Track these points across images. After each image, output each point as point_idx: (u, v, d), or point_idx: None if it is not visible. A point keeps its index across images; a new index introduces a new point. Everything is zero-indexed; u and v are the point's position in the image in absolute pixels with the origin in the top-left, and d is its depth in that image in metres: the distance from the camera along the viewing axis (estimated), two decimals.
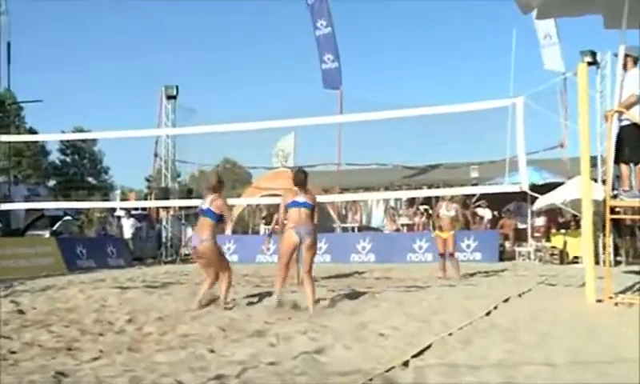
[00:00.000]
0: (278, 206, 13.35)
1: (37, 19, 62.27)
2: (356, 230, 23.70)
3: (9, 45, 18.35)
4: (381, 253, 19.97)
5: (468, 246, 19.17)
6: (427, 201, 22.51)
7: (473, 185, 20.36)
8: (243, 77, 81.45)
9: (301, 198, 8.55)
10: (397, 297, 10.11)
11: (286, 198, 8.73)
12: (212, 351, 5.84)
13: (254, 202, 23.84)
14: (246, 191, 26.15)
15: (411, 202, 24.41)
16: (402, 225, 23.88)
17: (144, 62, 77.30)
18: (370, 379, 4.59)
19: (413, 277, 13.95)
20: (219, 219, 9.02)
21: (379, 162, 24.55)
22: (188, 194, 27.57)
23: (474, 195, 21.30)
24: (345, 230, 24.00)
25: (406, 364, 5.08)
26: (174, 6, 77.14)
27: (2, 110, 14.81)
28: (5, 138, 14.32)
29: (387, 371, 4.80)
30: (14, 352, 5.92)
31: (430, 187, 22.41)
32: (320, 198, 20.51)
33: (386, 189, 23.81)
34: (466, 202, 22.07)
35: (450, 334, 6.43)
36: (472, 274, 14.51)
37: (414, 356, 5.35)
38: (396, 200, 25.14)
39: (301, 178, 8.77)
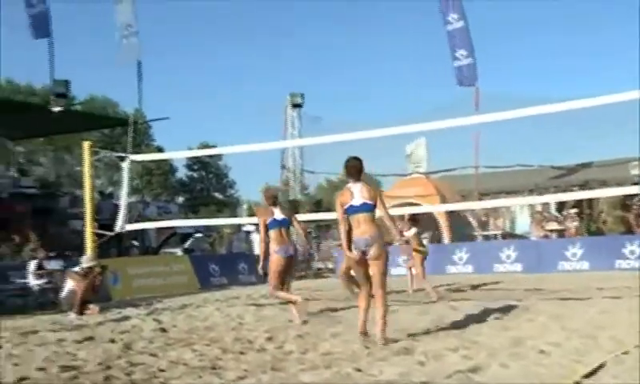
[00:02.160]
0: (413, 216, 13.40)
1: (161, 36, 65.16)
2: (499, 237, 23.14)
3: (139, 64, 19.41)
4: (528, 262, 19.34)
5: (632, 253, 18.10)
6: (579, 204, 21.65)
7: (634, 184, 19.26)
8: (370, 80, 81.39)
9: (357, 200, 7.32)
10: (552, 310, 9.74)
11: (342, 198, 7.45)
12: (358, 370, 5.87)
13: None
14: None
15: (561, 205, 23.54)
16: (551, 231, 23.05)
17: (268, 70, 79.01)
18: None
19: (568, 288, 13.41)
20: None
21: (522, 162, 23.85)
22: (317, 205, 28.01)
23: (635, 195, 20.18)
24: (487, 238, 23.50)
25: None
26: (293, 12, 78.19)
27: (133, 130, 15.77)
28: (138, 157, 15.08)
29: None
30: (162, 370, 6.25)
31: (581, 188, 21.51)
32: (458, 206, 20.47)
33: (531, 192, 23.04)
34: (626, 202, 21.00)
35: (626, 353, 6.07)
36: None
37: (586, 376, 5.14)
38: (543, 204, 24.29)
39: (357, 167, 7.59)
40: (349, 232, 7.36)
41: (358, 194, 7.32)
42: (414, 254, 13.31)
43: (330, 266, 23.92)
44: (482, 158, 23.26)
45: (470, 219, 23.51)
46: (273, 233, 9.67)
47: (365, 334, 7.40)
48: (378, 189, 7.92)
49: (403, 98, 69.18)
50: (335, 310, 11.10)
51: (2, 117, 19.50)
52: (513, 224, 25.26)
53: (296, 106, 24.08)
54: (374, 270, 7.37)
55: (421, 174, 23.93)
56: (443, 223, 22.06)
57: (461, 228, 22.63)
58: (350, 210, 7.32)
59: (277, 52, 78.60)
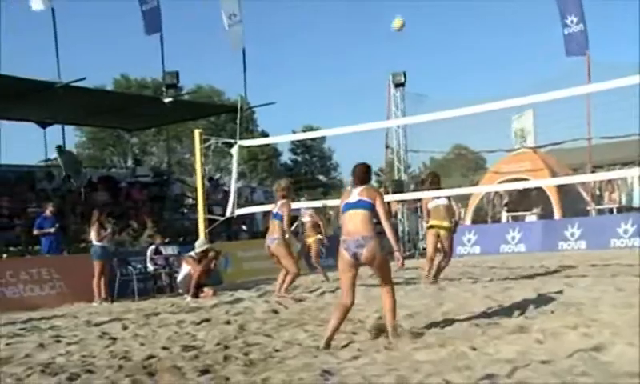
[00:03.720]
0: (523, 191, 12.92)
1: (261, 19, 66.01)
2: (615, 211, 22.20)
3: (244, 52, 19.68)
4: None
5: None
6: None
7: None
8: (472, 54, 79.56)
9: (354, 198, 6.65)
10: None
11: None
12: (474, 349, 5.77)
13: (494, 189, 23.28)
14: (485, 177, 25.60)
15: None
16: None
17: (369, 50, 78.61)
18: None
19: None
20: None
21: (638, 131, 22.69)
22: (421, 184, 27.71)
23: None
24: (601, 212, 22.59)
25: None
26: None
27: (237, 117, 16.10)
28: (244, 142, 15.36)
29: None
30: (277, 350, 6.36)
31: None
32: (569, 179, 19.74)
33: None
34: None
35: None
36: None
37: None
38: None
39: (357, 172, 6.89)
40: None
41: (355, 193, 6.65)
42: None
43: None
44: (595, 130, 22.32)
45: (583, 193, 22.64)
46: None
47: (327, 346, 6.37)
48: (380, 192, 7.02)
49: (509, 72, 67.17)
50: (443, 289, 10.96)
51: (117, 110, 20.39)
52: (630, 197, 24.12)
53: (399, 85, 23.83)
54: (375, 272, 6.86)
55: (528, 148, 23.23)
56: (554, 198, 21.37)
57: (573, 203, 21.85)
58: (345, 207, 6.67)
59: (378, 32, 77.70)
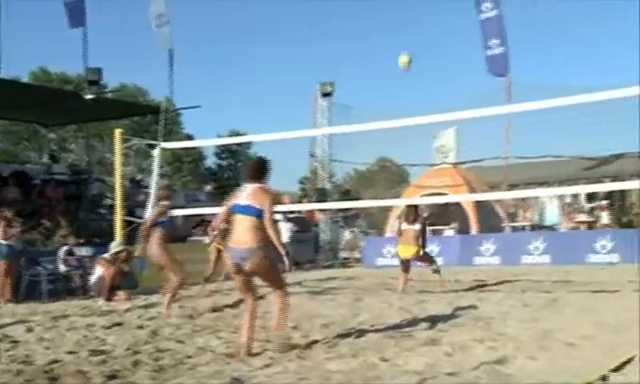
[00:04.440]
0: (442, 206, 13.24)
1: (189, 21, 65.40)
2: (528, 229, 22.94)
3: (171, 53, 19.47)
4: (556, 254, 19.15)
5: None
6: (610, 195, 21.34)
7: None
8: (398, 70, 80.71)
9: (243, 200, 6.28)
10: (581, 302, 9.66)
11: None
12: (384, 360, 5.86)
13: (414, 202, 23.65)
14: (407, 191, 26.04)
15: (591, 196, 23.27)
16: (581, 222, 22.78)
17: (298, 58, 78.81)
18: None
19: (597, 280, 13.26)
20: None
21: (554, 153, 23.53)
22: (344, 194, 28.00)
23: None
24: (515, 229, 23.30)
25: (604, 379, 4.84)
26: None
27: (164, 117, 15.96)
28: (167, 144, 15.19)
29: None
30: (189, 357, 6.31)
31: (613, 180, 21.18)
32: (487, 196, 20.30)
33: (562, 183, 22.76)
34: None
35: None
36: None
37: (614, 370, 5.08)
38: (573, 195, 24.00)
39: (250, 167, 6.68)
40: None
41: (247, 194, 6.26)
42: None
43: (357, 255, 23.93)
44: (513, 149, 23.03)
45: (498, 210, 23.30)
46: None
47: (248, 353, 6.22)
48: (275, 195, 6.52)
49: (435, 88, 68.54)
50: (360, 299, 11.08)
51: (35, 104, 19.79)
52: (542, 215, 24.95)
53: (326, 94, 23.98)
54: (262, 281, 6.49)
55: (449, 164, 23.75)
56: (471, 214, 21.90)
57: (488, 219, 22.45)
58: (234, 208, 6.30)
59: (309, 40, 78.13)
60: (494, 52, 22.68)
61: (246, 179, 6.45)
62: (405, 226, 12.31)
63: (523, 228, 23.25)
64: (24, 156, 33.64)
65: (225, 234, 14.02)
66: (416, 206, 12.92)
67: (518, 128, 21.53)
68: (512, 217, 24.02)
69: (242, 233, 6.11)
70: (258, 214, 6.11)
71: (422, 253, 12.21)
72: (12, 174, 20.94)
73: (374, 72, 79.14)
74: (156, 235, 9.96)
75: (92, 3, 18.74)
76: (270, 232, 6.18)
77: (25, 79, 31.42)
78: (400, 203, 23.68)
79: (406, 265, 12.28)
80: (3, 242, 12.59)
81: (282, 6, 75.81)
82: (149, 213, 14.25)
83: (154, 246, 9.92)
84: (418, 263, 12.65)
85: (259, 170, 6.48)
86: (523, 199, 23.62)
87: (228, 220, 6.56)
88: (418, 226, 12.17)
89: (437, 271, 12.32)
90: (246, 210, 6.15)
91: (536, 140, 22.15)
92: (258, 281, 6.54)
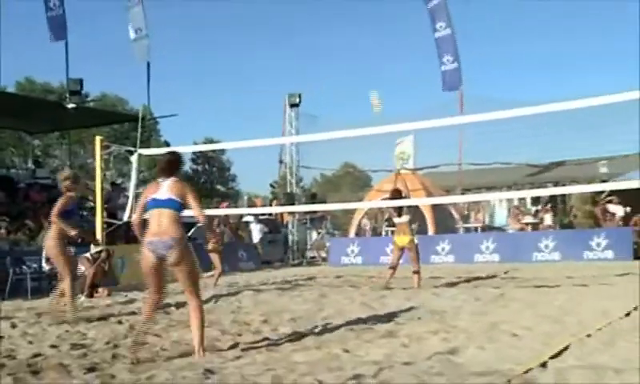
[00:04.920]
0: (399, 209, 13.34)
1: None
2: (479, 230, 23.20)
3: (148, 65, 19.34)
4: (505, 252, 19.38)
5: (598, 245, 18.22)
6: (552, 199, 21.72)
7: (602, 181, 19.34)
8: (363, 82, 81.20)
9: (163, 194, 5.82)
10: (526, 297, 9.81)
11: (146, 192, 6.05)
12: (346, 351, 5.90)
13: (376, 205, 23.84)
14: (368, 194, 26.19)
15: (536, 200, 23.65)
16: (527, 224, 23.12)
17: (267, 69, 78.78)
18: (509, 380, 4.49)
19: (541, 277, 13.47)
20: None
21: (502, 160, 23.86)
22: (312, 198, 28.05)
23: (602, 192, 20.25)
24: (468, 230, 23.56)
25: (544, 365, 4.94)
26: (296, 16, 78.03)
27: (142, 125, 15.87)
28: (146, 151, 15.08)
29: (526, 372, 4.68)
30: (165, 349, 6.28)
31: (555, 185, 21.56)
32: (442, 199, 20.50)
33: (509, 188, 23.16)
34: (594, 198, 21.08)
35: (589, 335, 6.18)
36: (605, 274, 13.82)
37: (553, 357, 5.19)
38: (520, 199, 24.37)
39: (163, 163, 6.12)
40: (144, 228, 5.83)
41: (165, 187, 5.81)
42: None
43: (324, 254, 24.00)
44: (465, 156, 23.32)
45: (453, 212, 23.54)
46: None
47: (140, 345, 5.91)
48: (190, 186, 6.03)
49: (394, 99, 69.01)
50: (325, 295, 11.13)
51: (20, 113, 19.52)
52: (492, 217, 25.32)
53: (293, 105, 24.08)
54: (180, 278, 5.86)
55: (408, 169, 23.92)
56: (428, 216, 22.07)
57: (444, 221, 22.65)
58: (152, 204, 5.79)
59: (277, 53, 78.18)
60: (447, 67, 22.96)
61: (160, 174, 5.95)
62: (397, 219, 12.42)
63: (475, 229, 23.50)
64: (10, 161, 33.11)
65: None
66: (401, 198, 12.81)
67: (470, 137, 21.85)
68: (465, 219, 24.31)
69: (166, 225, 5.64)
70: (179, 208, 5.75)
71: (415, 241, 12.36)
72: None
73: (338, 84, 79.31)
74: (53, 228, 8.99)
75: (74, 16, 18.55)
76: (197, 212, 5.90)
77: (11, 89, 30.93)
78: (363, 206, 23.89)
79: (399, 256, 12.35)
80: None
81: (256, 20, 75.64)
82: (126, 214, 14.15)
83: (49, 240, 9.03)
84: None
85: (174, 164, 6.04)
86: (475, 202, 23.93)
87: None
88: (406, 218, 12.30)
89: (417, 272, 12.29)
90: (167, 203, 5.71)
91: (486, 148, 22.39)
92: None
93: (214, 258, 13.62)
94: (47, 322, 8.50)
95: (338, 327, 7.40)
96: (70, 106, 17.52)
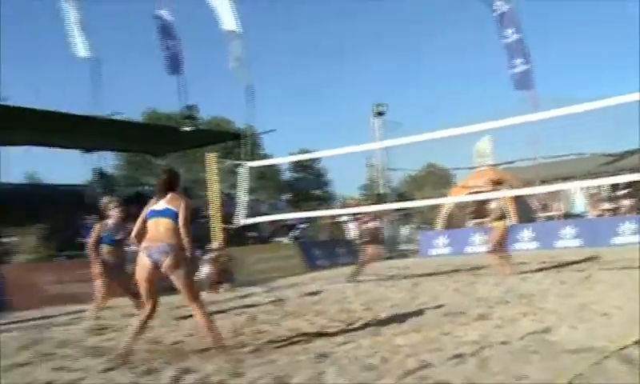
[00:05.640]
0: (484, 202, 12.99)
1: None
2: (559, 217, 22.28)
3: (250, 89, 19.60)
4: (585, 237, 18.50)
5: None
6: (630, 185, 20.52)
7: None
8: (440, 86, 79.62)
9: (161, 205, 5.49)
10: (611, 278, 9.31)
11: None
12: (444, 334, 5.78)
13: (462, 200, 23.42)
14: (453, 190, 25.72)
15: (614, 187, 22.47)
16: (605, 210, 21.99)
17: (355, 80, 78.38)
18: (606, 357, 4.25)
19: (623, 258, 12.73)
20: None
21: (576, 152, 22.80)
22: (400, 197, 27.84)
23: None
24: (548, 218, 22.67)
25: (638, 342, 4.64)
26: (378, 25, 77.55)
27: (246, 142, 16.36)
28: (252, 163, 15.39)
29: (622, 349, 4.42)
30: (281, 336, 6.33)
31: (631, 171, 20.38)
32: (524, 191, 19.80)
33: (585, 177, 22.04)
34: None
35: None
36: None
37: None
38: (597, 187, 23.21)
39: (162, 181, 5.70)
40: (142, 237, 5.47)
41: (164, 200, 5.48)
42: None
43: (414, 247, 23.74)
44: (541, 150, 22.44)
45: (533, 203, 22.75)
46: None
47: (127, 354, 5.36)
48: (189, 203, 5.56)
49: (472, 102, 67.34)
50: (418, 284, 10.97)
51: (146, 138, 20.45)
52: (571, 206, 24.25)
53: (379, 113, 24.01)
54: (177, 284, 5.37)
55: (487, 165, 23.31)
56: (510, 207, 21.41)
57: (525, 211, 21.90)
58: (150, 214, 5.46)
59: (365, 66, 77.47)
60: (517, 70, 22.10)
61: (159, 191, 5.57)
62: (491, 206, 12.10)
63: (555, 217, 22.61)
64: (141, 180, 34.76)
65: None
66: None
67: (544, 132, 20.96)
68: (545, 208, 23.43)
69: (160, 233, 5.31)
70: (174, 216, 5.35)
71: (508, 224, 11.96)
72: (134, 194, 21.68)
73: (420, 92, 78.16)
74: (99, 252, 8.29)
75: (188, 49, 19.03)
76: (183, 229, 5.34)
77: (139, 119, 32.40)
78: (447, 202, 23.46)
79: (499, 242, 11.78)
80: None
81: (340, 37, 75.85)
82: (239, 220, 14.44)
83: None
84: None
85: (172, 181, 5.65)
86: (554, 192, 22.97)
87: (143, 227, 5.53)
88: (499, 203, 12.06)
89: (505, 257, 11.89)
90: (162, 213, 5.39)
91: (559, 142, 21.48)
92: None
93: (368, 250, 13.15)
94: (180, 315, 8.74)
95: (433, 312, 7.27)
96: (186, 129, 18.08)
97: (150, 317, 5.49)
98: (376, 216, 13.76)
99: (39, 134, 17.09)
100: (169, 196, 5.49)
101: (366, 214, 13.80)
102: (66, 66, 35.96)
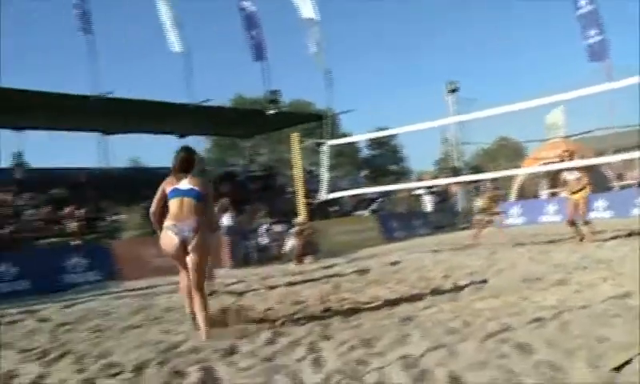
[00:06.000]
0: (558, 172, 12.43)
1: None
2: (635, 186, 21.10)
3: (328, 73, 19.57)
4: None
5: None
6: None
7: None
8: (512, 61, 76.54)
9: (184, 185, 5.21)
10: None
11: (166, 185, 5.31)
12: (523, 299, 5.64)
13: (535, 171, 22.58)
14: (526, 162, 24.87)
15: None
16: None
17: (427, 59, 76.67)
18: None
19: None
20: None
21: None
22: (474, 169, 27.21)
23: None
24: (623, 187, 21.53)
25: None
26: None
27: (326, 122, 16.43)
28: (332, 142, 15.44)
29: None
30: (365, 302, 6.38)
31: None
32: (596, 160, 18.88)
33: None
34: None
35: None
36: None
37: None
38: None
39: (180, 159, 5.36)
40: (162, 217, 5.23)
41: (186, 180, 5.22)
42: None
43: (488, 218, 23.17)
44: (615, 120, 21.33)
45: (608, 173, 21.63)
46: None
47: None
48: (208, 182, 5.46)
49: (545, 75, 64.50)
50: (495, 252, 10.72)
51: (234, 122, 20.90)
52: None
53: (453, 90, 23.54)
54: (190, 264, 5.10)
55: (559, 138, 22.34)
56: (585, 177, 20.47)
57: (599, 181, 20.89)
58: (174, 193, 5.18)
59: (439, 45, 75.38)
60: (592, 40, 20.96)
61: (178, 170, 5.28)
62: (569, 176, 11.56)
63: (630, 186, 21.44)
64: (230, 161, 35.67)
65: None
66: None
67: (618, 102, 19.86)
68: (620, 177, 22.26)
69: (188, 212, 5.09)
70: (200, 198, 5.16)
71: (586, 193, 11.41)
72: (224, 174, 22.26)
73: (494, 67, 75.50)
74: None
75: (269, 37, 19.15)
76: (209, 212, 5.31)
77: (227, 104, 33.12)
78: (519, 173, 22.69)
79: (574, 211, 11.33)
80: (226, 222, 13.25)
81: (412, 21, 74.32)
82: (322, 195, 14.52)
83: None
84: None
85: (192, 160, 5.39)
86: (629, 161, 21.74)
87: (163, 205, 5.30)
88: (578, 174, 11.47)
89: (588, 223, 11.44)
90: (188, 192, 5.15)
91: (634, 111, 20.32)
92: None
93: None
94: (268, 284, 8.97)
95: (511, 279, 7.10)
96: (270, 112, 18.33)
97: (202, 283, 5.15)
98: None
99: (141, 122, 17.83)
100: (189, 176, 5.25)
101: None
102: (162, 59, 37.22)
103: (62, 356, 4.86)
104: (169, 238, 5.08)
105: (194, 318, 5.21)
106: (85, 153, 47.89)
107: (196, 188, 5.17)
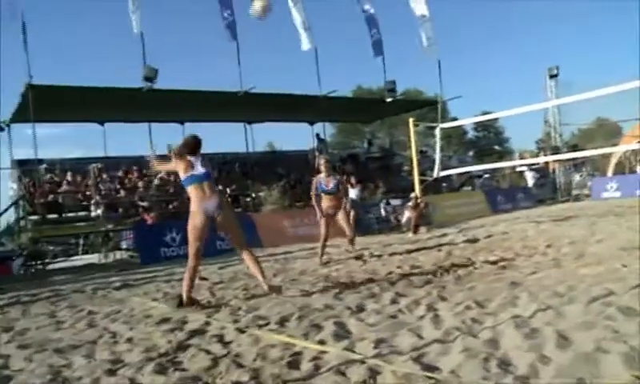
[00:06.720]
0: None
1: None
2: None
3: (439, 64, 18.83)
4: None
5: None
6: None
7: None
8: (613, 42, 68.99)
9: (199, 170, 5.25)
10: None
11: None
12: (624, 266, 5.28)
13: (632, 148, 20.58)
14: (623, 140, 22.71)
15: None
16: None
17: (532, 46, 71.32)
18: None
19: None
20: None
21: None
22: (573, 148, 25.27)
23: None
24: None
25: None
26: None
27: (435, 109, 16.04)
28: (443, 125, 15.10)
29: None
30: (476, 268, 6.23)
31: None
32: None
33: None
34: None
35: None
36: None
37: None
38: None
39: (192, 145, 5.37)
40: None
41: (198, 164, 5.25)
42: None
43: (586, 192, 21.54)
44: None
45: None
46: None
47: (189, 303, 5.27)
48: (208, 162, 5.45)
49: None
50: (595, 223, 10.02)
51: (356, 110, 21.04)
52: None
53: (553, 76, 21.93)
54: (229, 235, 5.47)
55: None
56: None
57: None
58: (193, 179, 5.20)
59: (541, 32, 69.79)
60: None
61: (187, 151, 5.31)
62: None
63: None
64: (352, 144, 35.96)
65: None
66: None
67: None
68: None
69: (210, 192, 5.19)
70: (212, 177, 5.33)
71: None
72: (347, 155, 22.55)
73: (592, 51, 68.86)
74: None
75: (387, 34, 18.72)
76: (218, 189, 5.43)
77: (349, 94, 33.29)
78: (614, 150, 20.74)
79: None
80: (353, 196, 13.35)
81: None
82: (435, 173, 14.26)
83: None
84: None
85: (198, 145, 5.36)
86: None
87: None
88: None
89: None
90: (207, 175, 5.25)
91: None
92: None
93: None
94: (389, 252, 9.04)
95: (611, 247, 6.64)
96: (388, 99, 18.21)
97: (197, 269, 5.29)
98: None
99: (277, 111, 18.44)
100: (201, 160, 5.30)
101: None
102: (295, 57, 37.86)
103: (219, 308, 5.15)
104: (200, 217, 5.15)
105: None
106: (231, 139, 50.11)
107: (208, 170, 5.31)
